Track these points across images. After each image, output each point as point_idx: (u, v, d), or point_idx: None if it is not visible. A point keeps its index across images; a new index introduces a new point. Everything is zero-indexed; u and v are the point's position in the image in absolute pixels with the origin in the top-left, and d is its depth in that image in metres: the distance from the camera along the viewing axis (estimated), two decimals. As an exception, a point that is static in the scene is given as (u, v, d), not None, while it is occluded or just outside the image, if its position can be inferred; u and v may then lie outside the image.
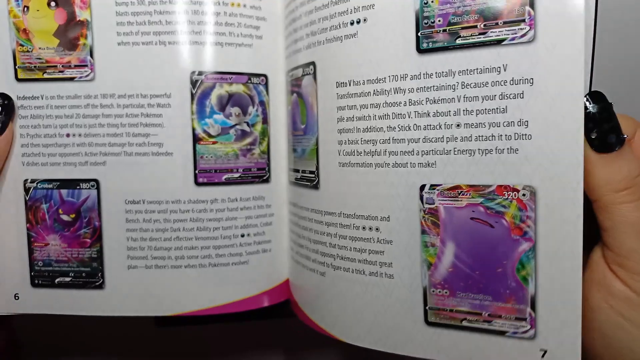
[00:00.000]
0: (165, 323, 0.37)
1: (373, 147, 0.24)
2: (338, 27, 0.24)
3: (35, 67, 0.26)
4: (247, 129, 0.27)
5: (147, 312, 0.27)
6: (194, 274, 0.27)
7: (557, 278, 0.22)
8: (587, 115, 0.22)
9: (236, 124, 0.27)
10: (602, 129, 0.22)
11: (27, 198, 0.27)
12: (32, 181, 0.27)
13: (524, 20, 0.21)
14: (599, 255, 0.24)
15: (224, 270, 0.27)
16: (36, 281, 0.27)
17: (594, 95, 0.23)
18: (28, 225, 0.27)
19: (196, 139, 0.26)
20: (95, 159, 0.26)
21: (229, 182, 0.27)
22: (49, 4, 0.26)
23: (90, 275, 0.27)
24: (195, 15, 0.26)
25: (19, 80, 0.27)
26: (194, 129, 0.26)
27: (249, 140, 0.27)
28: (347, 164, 0.24)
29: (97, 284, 0.27)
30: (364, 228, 0.25)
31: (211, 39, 0.26)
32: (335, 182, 0.25)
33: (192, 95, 0.26)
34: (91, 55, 0.26)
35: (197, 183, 0.27)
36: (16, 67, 0.26)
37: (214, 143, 0.27)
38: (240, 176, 0.27)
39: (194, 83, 0.26)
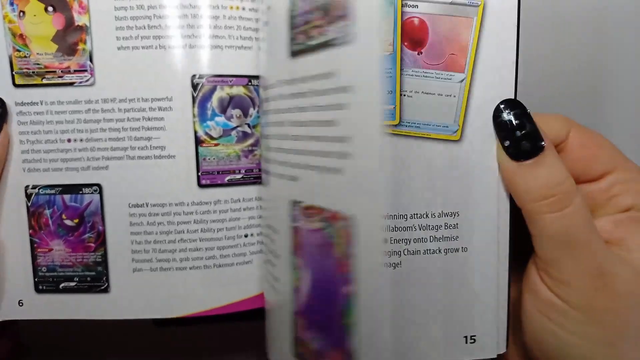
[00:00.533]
0: (164, 323, 0.37)
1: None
2: None
3: (33, 72, 0.26)
4: (248, 130, 0.27)
5: (153, 314, 0.28)
6: (199, 275, 0.27)
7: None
8: (500, 123, 0.23)
9: (237, 126, 0.27)
10: (514, 136, 0.22)
11: (29, 204, 0.27)
12: (34, 187, 0.27)
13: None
14: (531, 262, 0.24)
15: (228, 270, 0.28)
16: (40, 287, 0.27)
17: (509, 103, 0.23)
18: (31, 231, 0.27)
19: (198, 142, 0.27)
20: (98, 163, 0.26)
21: (231, 184, 0.27)
22: (46, 9, 0.26)
23: (95, 280, 0.27)
24: (194, 19, 0.26)
25: (16, 86, 0.26)
26: (195, 132, 0.27)
27: (250, 141, 0.28)
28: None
29: (102, 287, 0.27)
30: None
31: (211, 42, 0.26)
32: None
33: (194, 98, 0.26)
34: (91, 60, 0.26)
35: (200, 185, 0.27)
36: (13, 72, 0.26)
37: (216, 145, 0.27)
38: (242, 177, 0.28)
39: (195, 86, 0.26)
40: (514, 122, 0.22)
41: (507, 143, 0.22)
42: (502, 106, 0.23)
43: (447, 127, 0.24)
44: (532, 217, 0.22)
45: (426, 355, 0.26)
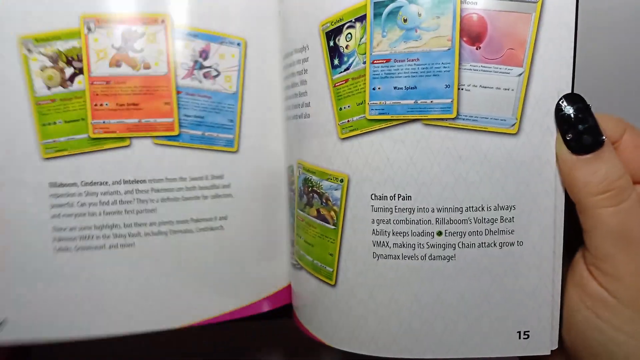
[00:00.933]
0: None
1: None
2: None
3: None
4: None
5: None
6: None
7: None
8: (562, 117, 0.23)
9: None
10: (577, 130, 0.22)
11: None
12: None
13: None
14: (579, 256, 0.24)
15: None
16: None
17: (570, 97, 0.23)
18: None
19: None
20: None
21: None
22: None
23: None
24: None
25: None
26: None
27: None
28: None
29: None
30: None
31: None
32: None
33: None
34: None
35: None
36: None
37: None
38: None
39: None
40: (576, 115, 0.23)
41: (569, 136, 0.23)
42: (564, 100, 0.23)
43: (504, 120, 0.24)
44: (588, 211, 0.22)
45: (478, 350, 0.26)
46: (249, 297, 0.31)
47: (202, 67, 0.29)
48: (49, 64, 0.27)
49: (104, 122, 0.28)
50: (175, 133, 0.28)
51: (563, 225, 0.25)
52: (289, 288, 0.32)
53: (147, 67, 0.28)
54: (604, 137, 0.22)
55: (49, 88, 0.27)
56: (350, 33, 0.25)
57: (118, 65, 0.28)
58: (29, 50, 0.27)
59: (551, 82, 0.24)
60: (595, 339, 0.23)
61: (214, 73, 0.29)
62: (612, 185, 0.22)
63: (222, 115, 0.29)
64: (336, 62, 0.26)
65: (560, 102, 0.23)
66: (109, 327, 0.29)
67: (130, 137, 0.28)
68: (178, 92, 0.28)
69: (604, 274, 0.22)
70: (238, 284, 0.31)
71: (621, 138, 0.23)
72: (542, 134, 0.24)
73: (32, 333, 0.28)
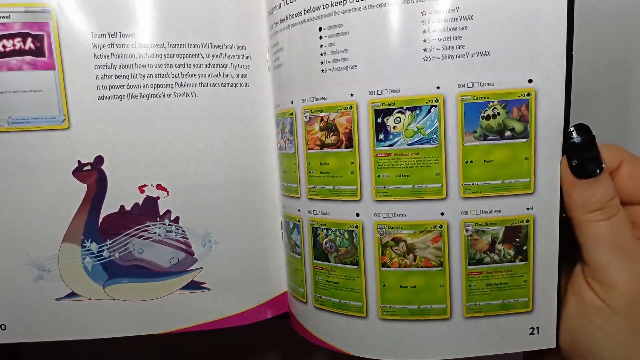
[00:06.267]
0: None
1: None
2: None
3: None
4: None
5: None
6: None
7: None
8: (571, 144, 0.25)
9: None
10: (582, 157, 0.25)
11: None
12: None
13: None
14: (579, 269, 0.27)
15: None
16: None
17: (579, 128, 0.25)
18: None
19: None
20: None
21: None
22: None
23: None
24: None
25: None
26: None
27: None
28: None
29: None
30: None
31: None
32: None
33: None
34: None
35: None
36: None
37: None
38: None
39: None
40: (583, 145, 0.25)
41: (574, 162, 0.25)
42: (574, 130, 0.25)
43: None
44: (583, 225, 0.25)
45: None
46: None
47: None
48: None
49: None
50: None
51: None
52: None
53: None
54: (603, 166, 0.25)
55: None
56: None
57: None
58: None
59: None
60: (586, 343, 0.25)
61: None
62: (605, 204, 0.25)
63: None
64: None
65: (570, 130, 0.26)
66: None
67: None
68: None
69: (599, 284, 0.25)
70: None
71: (619, 166, 0.26)
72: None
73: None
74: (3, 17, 0.28)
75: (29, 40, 0.28)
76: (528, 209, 0.27)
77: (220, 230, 0.32)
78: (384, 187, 0.28)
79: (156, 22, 0.30)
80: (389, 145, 0.28)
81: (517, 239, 0.28)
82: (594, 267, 0.25)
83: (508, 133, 0.27)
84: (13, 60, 0.28)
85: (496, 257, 0.28)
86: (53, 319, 0.31)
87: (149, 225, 0.31)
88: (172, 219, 0.32)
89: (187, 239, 0.32)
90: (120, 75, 0.30)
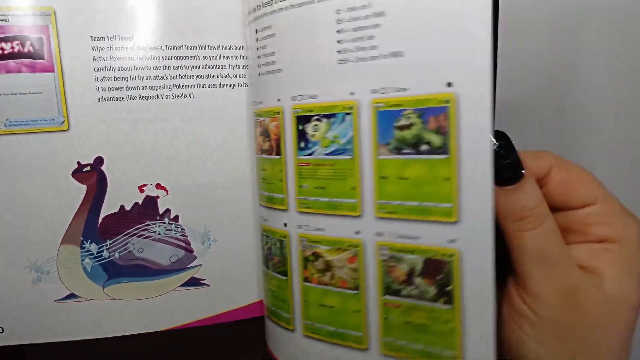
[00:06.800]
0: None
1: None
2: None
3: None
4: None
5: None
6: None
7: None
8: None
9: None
10: (499, 164, 0.23)
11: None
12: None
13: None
14: (510, 277, 0.25)
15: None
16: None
17: (495, 133, 0.23)
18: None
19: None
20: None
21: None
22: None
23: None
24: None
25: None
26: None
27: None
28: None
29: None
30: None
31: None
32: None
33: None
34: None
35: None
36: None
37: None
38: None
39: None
40: (498, 152, 0.23)
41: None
42: (491, 137, 0.23)
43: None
44: (511, 234, 0.24)
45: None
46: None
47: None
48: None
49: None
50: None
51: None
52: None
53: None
54: (523, 171, 0.23)
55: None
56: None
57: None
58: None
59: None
60: (519, 350, 0.25)
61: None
62: (530, 212, 0.24)
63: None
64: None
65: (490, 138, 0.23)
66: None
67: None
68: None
69: (526, 292, 0.24)
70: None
71: (549, 172, 0.25)
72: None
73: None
74: (2, 20, 0.29)
75: (28, 43, 0.30)
76: (451, 241, 0.23)
77: (219, 228, 0.33)
78: (305, 199, 0.27)
79: (154, 25, 0.31)
80: (309, 155, 0.26)
81: (439, 276, 0.23)
82: (521, 276, 0.24)
83: (425, 147, 0.23)
84: (12, 62, 0.29)
85: (415, 292, 0.24)
86: (52, 321, 0.32)
87: (148, 224, 0.33)
88: (171, 217, 0.33)
89: (186, 237, 0.33)
90: (119, 77, 0.32)
